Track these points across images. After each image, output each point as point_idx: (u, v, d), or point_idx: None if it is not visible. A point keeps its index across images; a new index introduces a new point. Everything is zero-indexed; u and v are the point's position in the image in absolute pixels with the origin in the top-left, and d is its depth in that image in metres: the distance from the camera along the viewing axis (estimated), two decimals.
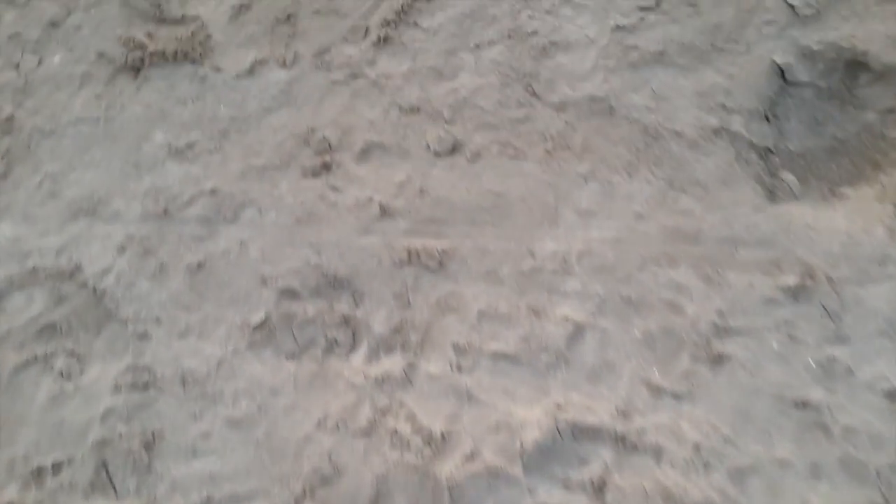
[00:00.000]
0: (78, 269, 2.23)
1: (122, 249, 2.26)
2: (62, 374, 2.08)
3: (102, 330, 2.14)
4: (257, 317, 2.10)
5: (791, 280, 1.95)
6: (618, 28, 2.42)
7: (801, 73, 2.27)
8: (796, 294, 1.94)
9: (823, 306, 1.91)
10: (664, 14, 2.43)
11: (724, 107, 2.23)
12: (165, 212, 2.31)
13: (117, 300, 2.17)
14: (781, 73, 2.28)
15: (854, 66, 2.25)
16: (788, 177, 2.15)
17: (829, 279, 1.94)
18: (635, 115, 2.26)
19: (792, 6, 2.37)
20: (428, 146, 2.31)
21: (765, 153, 2.18)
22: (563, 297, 2.01)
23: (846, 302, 1.91)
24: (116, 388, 2.03)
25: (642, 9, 2.46)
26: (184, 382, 2.02)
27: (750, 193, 2.10)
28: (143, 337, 2.10)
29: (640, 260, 2.04)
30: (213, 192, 2.33)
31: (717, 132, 2.20)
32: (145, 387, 2.03)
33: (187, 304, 2.14)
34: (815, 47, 2.27)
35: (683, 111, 2.24)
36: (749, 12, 2.39)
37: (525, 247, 2.10)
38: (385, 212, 2.21)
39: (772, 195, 2.11)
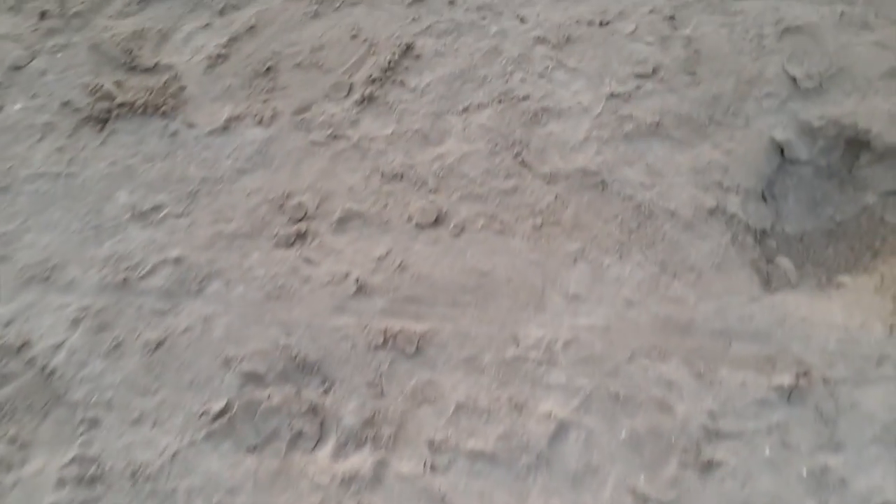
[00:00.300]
0: (26, 344, 2.08)
1: (75, 323, 2.11)
2: (2, 464, 1.93)
3: (49, 414, 1.98)
4: (218, 404, 1.95)
5: (785, 379, 1.85)
6: (612, 96, 2.35)
7: (801, 151, 2.21)
8: (790, 395, 1.84)
9: (818, 409, 1.82)
10: (661, 82, 2.36)
11: (720, 185, 2.15)
12: (125, 282, 2.17)
13: (67, 381, 2.02)
14: (780, 150, 2.21)
15: (855, 144, 2.21)
16: (785, 263, 2.08)
17: (825, 379, 1.85)
18: (629, 191, 2.17)
19: (794, 78, 2.31)
20: (410, 217, 2.20)
21: (761, 236, 2.11)
22: (546, 391, 1.90)
23: (841, 405, 1.82)
24: (60, 482, 1.88)
25: (639, 76, 2.38)
26: (134, 478, 1.88)
27: (745, 281, 2.01)
28: (93, 424, 1.95)
29: (629, 352, 1.93)
30: (178, 261, 2.20)
31: (712, 212, 2.11)
32: (91, 481, 1.88)
33: (143, 388, 2.00)
34: (816, 123, 2.21)
35: (679, 189, 2.16)
36: (749, 83, 2.33)
37: (509, 332, 1.98)
38: (361, 289, 2.08)
39: (767, 283, 2.03)
